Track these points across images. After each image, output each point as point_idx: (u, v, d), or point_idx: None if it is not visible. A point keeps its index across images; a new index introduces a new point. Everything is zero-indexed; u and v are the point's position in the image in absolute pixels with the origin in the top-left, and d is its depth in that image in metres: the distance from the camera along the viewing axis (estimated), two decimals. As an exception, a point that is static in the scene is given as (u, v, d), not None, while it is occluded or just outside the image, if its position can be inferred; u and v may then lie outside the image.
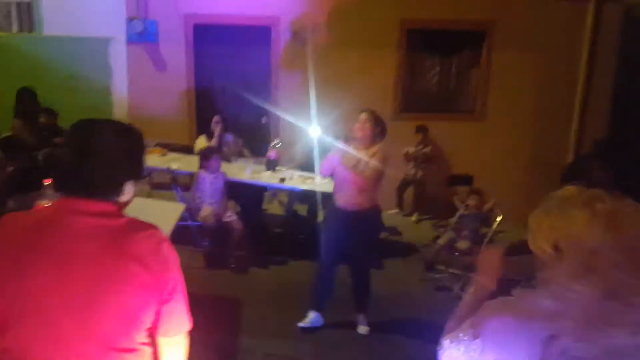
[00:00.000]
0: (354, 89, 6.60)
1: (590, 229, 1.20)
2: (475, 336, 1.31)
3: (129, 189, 1.45)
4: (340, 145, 3.92)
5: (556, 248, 1.25)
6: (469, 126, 7.09)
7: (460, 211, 5.34)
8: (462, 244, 5.11)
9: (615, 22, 6.80)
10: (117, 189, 1.41)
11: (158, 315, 1.41)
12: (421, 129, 6.81)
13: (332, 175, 4.00)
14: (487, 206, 5.28)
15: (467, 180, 6.69)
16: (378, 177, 3.76)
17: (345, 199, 3.81)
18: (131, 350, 1.38)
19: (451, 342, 1.38)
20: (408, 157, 6.85)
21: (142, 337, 1.41)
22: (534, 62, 6.88)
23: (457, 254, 5.11)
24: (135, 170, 1.46)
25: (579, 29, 6.77)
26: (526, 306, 1.26)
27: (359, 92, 6.62)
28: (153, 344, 1.46)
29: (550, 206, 1.30)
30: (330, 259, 3.95)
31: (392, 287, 4.91)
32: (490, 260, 1.62)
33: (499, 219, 5.14)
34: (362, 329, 4.04)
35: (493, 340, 1.28)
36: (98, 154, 1.38)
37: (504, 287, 1.65)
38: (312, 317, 4.03)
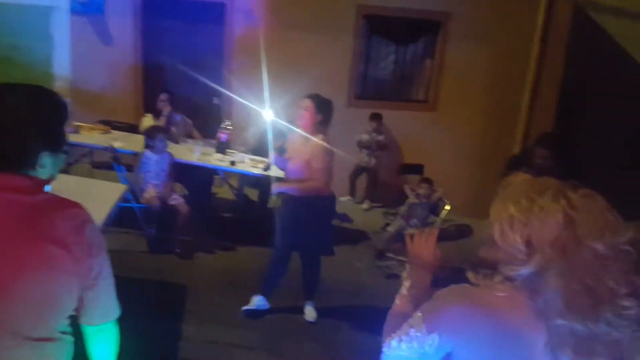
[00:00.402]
0: (309, 73, 6.47)
1: (566, 225, 1.13)
2: (430, 330, 1.23)
3: (48, 163, 1.28)
4: (290, 131, 3.79)
5: (528, 244, 1.16)
6: (422, 116, 7.11)
7: (411, 199, 5.35)
8: (412, 232, 5.11)
9: (565, 18, 6.95)
10: (31, 161, 1.25)
11: (81, 302, 1.30)
12: (375, 117, 6.77)
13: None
14: (436, 195, 5.32)
15: (418, 169, 6.72)
16: (325, 166, 3.64)
17: (295, 187, 3.69)
18: (50, 340, 1.25)
19: (400, 341, 1.29)
20: (361, 145, 6.81)
21: (63, 325, 1.29)
22: (486, 54, 6.95)
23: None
24: (51, 140, 1.30)
25: (531, 23, 6.87)
26: (486, 296, 1.19)
27: (314, 77, 6.50)
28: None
29: (516, 196, 1.20)
30: (286, 246, 3.84)
31: (342, 274, 4.86)
32: (423, 249, 1.50)
33: (447, 208, 5.20)
34: (310, 316, 3.97)
35: (451, 330, 1.21)
36: (4, 119, 1.22)
37: (445, 276, 1.56)
38: (257, 300, 3.92)
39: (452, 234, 1.67)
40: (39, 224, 1.21)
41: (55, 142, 1.31)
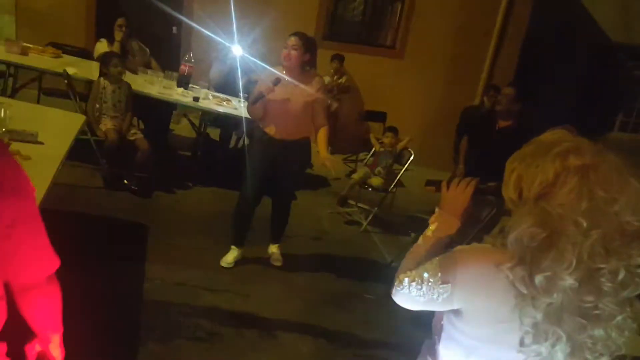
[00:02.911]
0: (277, 8, 6.20)
1: (555, 185, 1.12)
2: (444, 280, 1.23)
3: None
4: (268, 72, 3.56)
5: (520, 195, 1.19)
6: (388, 62, 7.01)
7: (375, 148, 5.33)
8: (375, 181, 5.14)
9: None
10: None
11: None
12: (337, 58, 6.58)
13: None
14: (401, 144, 5.31)
15: (381, 116, 6.68)
16: (326, 110, 3.59)
17: (280, 130, 3.53)
18: None
19: (412, 281, 1.29)
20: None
21: None
22: (456, 4, 6.86)
23: (369, 189, 5.14)
24: None
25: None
26: (500, 256, 1.18)
27: (282, 12, 6.23)
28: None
29: (526, 152, 1.21)
30: (253, 194, 3.71)
31: (304, 219, 4.84)
32: (459, 196, 1.48)
33: (411, 157, 5.22)
34: (277, 260, 3.95)
35: (466, 286, 1.21)
36: None
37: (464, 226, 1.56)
38: (235, 255, 3.82)
39: (489, 190, 1.64)
40: None
41: None
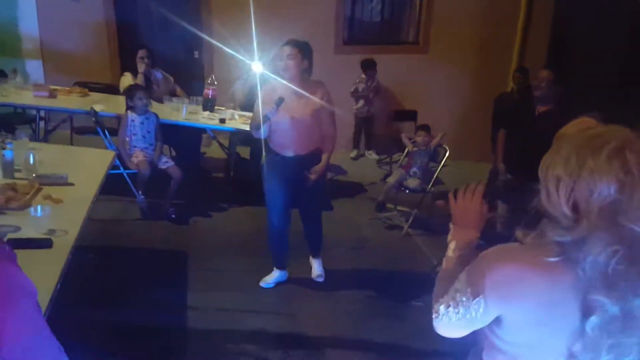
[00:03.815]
0: (294, 19, 6.15)
1: (622, 193, 0.97)
2: (475, 294, 1.13)
3: None
4: (267, 88, 3.42)
5: (575, 209, 1.02)
6: (412, 58, 6.85)
7: (409, 148, 5.19)
8: (412, 182, 5.00)
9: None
10: None
11: None
12: (370, 64, 6.45)
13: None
14: (435, 141, 5.15)
15: (411, 115, 6.53)
16: (333, 118, 3.44)
17: (289, 147, 3.42)
18: None
19: (447, 307, 1.20)
20: (357, 95, 6.53)
21: None
22: (477, -9, 6.66)
23: (406, 191, 5.01)
24: None
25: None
26: (535, 256, 1.07)
27: (299, 23, 6.18)
28: None
29: (567, 154, 1.04)
30: (278, 214, 3.61)
31: (342, 229, 4.76)
32: (469, 207, 1.38)
33: (447, 154, 5.05)
34: (318, 276, 3.86)
35: (497, 294, 1.11)
36: None
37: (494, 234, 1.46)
38: (275, 276, 3.76)
39: (499, 190, 1.54)
40: None
41: None
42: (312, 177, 3.44)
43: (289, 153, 3.43)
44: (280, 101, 3.23)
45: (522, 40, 6.88)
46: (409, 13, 6.94)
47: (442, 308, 1.22)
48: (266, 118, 3.26)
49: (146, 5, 6.37)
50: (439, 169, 5.01)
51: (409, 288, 3.84)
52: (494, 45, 6.84)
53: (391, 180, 5.10)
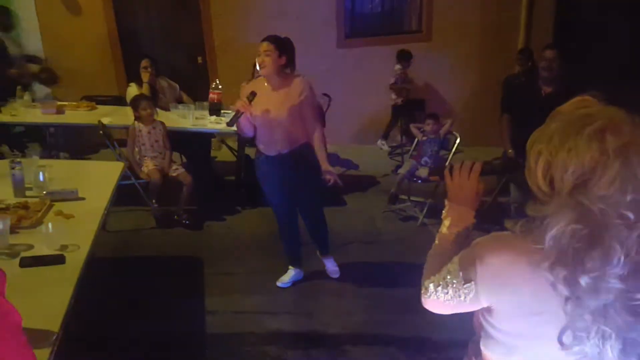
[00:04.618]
0: (295, 17, 6.14)
1: (593, 173, 0.95)
2: (466, 280, 1.14)
3: None
4: (247, 86, 3.40)
5: (551, 184, 1.02)
6: (416, 47, 6.76)
7: (418, 138, 5.15)
8: (423, 171, 4.95)
9: None
10: None
11: None
12: (406, 56, 6.37)
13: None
14: (444, 129, 5.10)
15: (420, 104, 6.47)
16: (317, 105, 3.37)
17: (270, 145, 3.38)
18: None
19: (437, 286, 1.21)
20: (395, 88, 6.47)
21: None
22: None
23: (419, 181, 4.96)
24: None
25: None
26: (525, 245, 1.05)
27: (300, 21, 6.17)
28: None
29: (552, 131, 1.04)
30: (284, 211, 3.60)
31: (357, 224, 4.74)
32: (464, 184, 1.36)
33: (457, 141, 5.00)
34: (333, 272, 3.85)
35: (488, 282, 1.11)
36: None
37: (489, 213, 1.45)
38: (291, 275, 3.74)
39: (497, 168, 1.50)
40: None
41: None
42: (329, 179, 3.36)
43: (272, 152, 3.40)
44: (252, 96, 3.22)
45: (526, 21, 6.76)
46: (410, 1, 6.87)
47: (432, 286, 1.23)
48: (238, 113, 3.24)
49: (147, 14, 6.40)
50: (450, 156, 4.96)
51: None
52: (498, 27, 6.74)
53: (402, 171, 5.06)
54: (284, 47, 3.26)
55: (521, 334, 1.12)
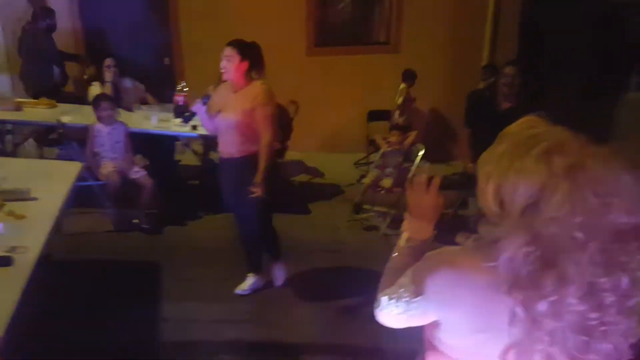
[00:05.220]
0: (264, 24, 6.11)
1: (542, 194, 0.96)
2: (417, 294, 1.14)
3: None
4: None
5: (501, 206, 1.02)
6: (385, 58, 6.83)
7: (383, 148, 5.18)
8: (387, 182, 4.98)
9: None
10: None
11: None
12: (410, 74, 6.38)
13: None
14: (408, 141, 5.16)
15: (386, 115, 6.52)
16: (272, 113, 3.30)
17: (224, 148, 3.36)
18: None
19: (390, 300, 1.21)
20: (398, 107, 6.47)
21: None
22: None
23: (382, 192, 4.99)
24: None
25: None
26: (473, 262, 1.06)
27: (269, 27, 6.14)
28: None
29: (501, 153, 1.04)
30: (237, 216, 3.56)
31: (320, 232, 4.73)
32: (424, 198, 1.36)
33: (421, 153, 5.06)
34: (278, 280, 3.77)
35: (436, 296, 1.11)
36: None
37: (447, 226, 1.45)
38: (251, 282, 3.69)
39: (456, 182, 1.52)
40: None
41: None
42: (255, 191, 3.26)
43: (226, 155, 3.38)
44: (206, 98, 3.27)
45: (492, 37, 6.92)
46: (379, 13, 6.94)
47: (384, 299, 1.23)
48: (191, 113, 3.41)
49: (113, 13, 6.26)
50: (414, 168, 5.01)
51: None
52: (465, 42, 6.87)
53: (367, 181, 5.08)
54: (246, 52, 3.23)
55: (467, 350, 1.12)
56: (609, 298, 0.95)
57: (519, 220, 0.98)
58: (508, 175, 1.00)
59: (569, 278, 0.94)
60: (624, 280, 0.95)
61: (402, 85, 6.41)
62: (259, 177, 3.25)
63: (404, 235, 1.38)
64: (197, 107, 3.31)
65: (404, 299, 1.17)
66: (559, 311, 0.96)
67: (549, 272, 0.95)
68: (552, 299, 0.95)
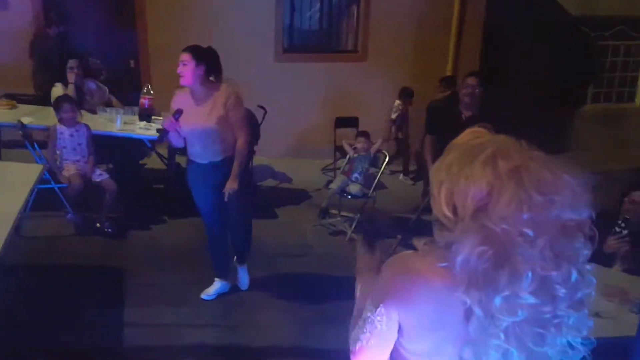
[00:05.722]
0: (233, 28, 6.11)
1: (491, 196, 1.02)
2: (376, 305, 1.17)
3: None
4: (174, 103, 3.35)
5: (454, 211, 1.08)
6: (352, 66, 6.92)
7: (350, 155, 5.24)
8: (354, 187, 5.04)
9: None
10: None
11: None
12: (407, 92, 6.47)
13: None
14: (374, 147, 5.23)
15: (353, 122, 6.59)
16: (245, 115, 3.34)
17: (202, 154, 3.35)
18: None
19: (360, 330, 1.20)
20: (392, 123, 6.52)
21: None
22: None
23: (349, 197, 5.04)
24: None
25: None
26: (425, 265, 1.11)
27: (238, 32, 6.15)
28: None
29: (450, 161, 1.11)
30: (213, 220, 3.53)
31: (287, 237, 4.73)
32: (369, 260, 1.51)
33: (386, 159, 5.15)
34: (243, 282, 3.79)
35: (393, 300, 1.14)
36: None
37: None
38: (217, 287, 3.67)
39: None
40: None
41: None
42: (226, 193, 3.31)
43: (204, 160, 3.37)
44: (177, 114, 3.19)
45: (456, 45, 7.09)
46: (347, 22, 7.02)
47: (354, 333, 1.22)
48: (164, 131, 3.22)
49: (78, 13, 6.15)
50: (379, 174, 5.09)
51: (353, 292, 3.84)
52: (430, 52, 7.02)
53: (334, 186, 5.13)
54: (202, 57, 3.21)
55: (427, 353, 1.15)
56: (561, 290, 1.01)
57: (471, 222, 1.03)
58: (458, 182, 1.06)
59: (521, 273, 0.99)
60: (573, 274, 1.01)
61: (397, 102, 6.53)
62: (233, 176, 3.29)
63: (358, 287, 1.47)
64: (169, 124, 3.22)
65: (368, 320, 1.18)
66: (513, 306, 1.01)
67: (502, 268, 1.00)
68: (505, 293, 1.00)
